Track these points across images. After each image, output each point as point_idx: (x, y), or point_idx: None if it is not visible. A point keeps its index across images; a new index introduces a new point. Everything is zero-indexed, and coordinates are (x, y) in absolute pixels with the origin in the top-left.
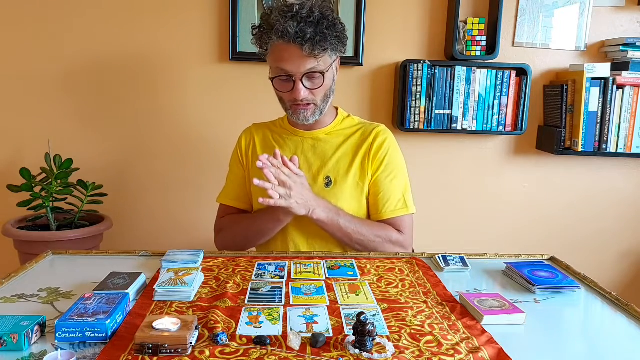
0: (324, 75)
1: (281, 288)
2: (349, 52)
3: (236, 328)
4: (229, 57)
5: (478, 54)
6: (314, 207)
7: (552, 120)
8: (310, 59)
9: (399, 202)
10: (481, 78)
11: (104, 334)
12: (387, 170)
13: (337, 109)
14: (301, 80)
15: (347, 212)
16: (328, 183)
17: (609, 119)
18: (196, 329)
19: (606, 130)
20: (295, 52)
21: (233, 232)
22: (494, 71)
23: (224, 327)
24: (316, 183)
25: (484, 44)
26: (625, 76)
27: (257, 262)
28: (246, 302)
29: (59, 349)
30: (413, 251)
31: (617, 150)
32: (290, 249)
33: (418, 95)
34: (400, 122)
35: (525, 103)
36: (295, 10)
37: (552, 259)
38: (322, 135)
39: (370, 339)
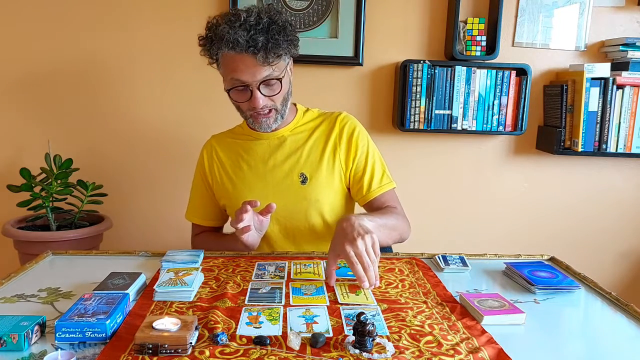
0: (281, 82)
1: (281, 288)
2: (349, 52)
3: (236, 328)
4: None
5: (478, 54)
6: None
7: (552, 120)
8: (265, 67)
9: (384, 178)
10: (481, 78)
11: (103, 334)
12: (363, 152)
13: (295, 104)
14: (258, 89)
15: (364, 213)
16: (304, 180)
17: (609, 119)
18: (196, 329)
19: (606, 130)
20: (248, 61)
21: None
22: (494, 71)
23: (224, 327)
24: (292, 182)
25: (484, 44)
26: (625, 76)
27: (257, 262)
28: (246, 302)
29: (59, 349)
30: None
31: (617, 150)
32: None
33: (418, 95)
34: (400, 122)
35: (525, 103)
36: (242, 18)
37: (552, 259)
38: (287, 133)
39: (370, 339)
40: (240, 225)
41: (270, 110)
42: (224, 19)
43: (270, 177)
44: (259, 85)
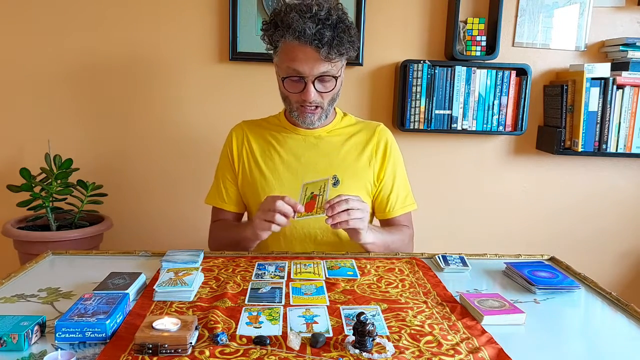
0: (336, 80)
1: (281, 288)
2: None
3: (236, 328)
4: (229, 57)
5: (478, 54)
6: (365, 234)
7: (552, 120)
8: (325, 63)
9: (407, 199)
10: (481, 78)
11: (103, 334)
12: (394, 170)
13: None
14: (313, 83)
15: (377, 226)
16: (335, 182)
17: (609, 119)
18: (196, 329)
19: (606, 130)
20: (310, 54)
21: (218, 239)
22: (494, 71)
23: (224, 327)
24: None
25: (484, 44)
26: (625, 76)
27: (257, 262)
28: (246, 302)
29: (59, 349)
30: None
31: (617, 150)
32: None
33: (418, 95)
34: (400, 122)
35: (525, 103)
36: (314, 11)
37: (552, 259)
38: (324, 133)
39: (370, 339)
40: (282, 224)
41: (317, 107)
42: (295, 8)
43: (302, 174)
44: (315, 79)
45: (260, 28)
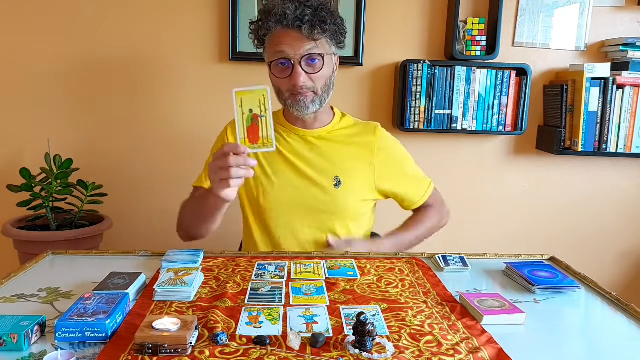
0: (323, 59)
1: (281, 288)
2: (349, 52)
3: (236, 328)
4: (229, 57)
5: (478, 53)
6: (377, 249)
7: (552, 120)
8: (309, 42)
9: (424, 185)
10: (481, 78)
11: (103, 334)
12: (405, 165)
13: (332, 108)
14: (300, 64)
15: (403, 227)
16: (337, 184)
17: (609, 119)
18: (196, 329)
19: (606, 130)
20: (294, 35)
21: (182, 216)
22: (494, 71)
23: (224, 327)
24: (325, 184)
25: (484, 43)
26: (625, 76)
27: (257, 262)
28: (246, 302)
29: (59, 349)
30: None
31: (617, 150)
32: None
33: (418, 95)
34: (400, 122)
35: (525, 103)
36: None
37: (552, 259)
38: (324, 134)
39: (370, 339)
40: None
41: (309, 91)
42: None
43: (305, 173)
44: (301, 60)
45: (249, 28)
